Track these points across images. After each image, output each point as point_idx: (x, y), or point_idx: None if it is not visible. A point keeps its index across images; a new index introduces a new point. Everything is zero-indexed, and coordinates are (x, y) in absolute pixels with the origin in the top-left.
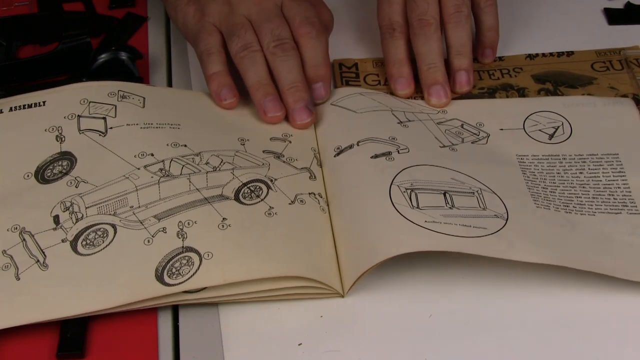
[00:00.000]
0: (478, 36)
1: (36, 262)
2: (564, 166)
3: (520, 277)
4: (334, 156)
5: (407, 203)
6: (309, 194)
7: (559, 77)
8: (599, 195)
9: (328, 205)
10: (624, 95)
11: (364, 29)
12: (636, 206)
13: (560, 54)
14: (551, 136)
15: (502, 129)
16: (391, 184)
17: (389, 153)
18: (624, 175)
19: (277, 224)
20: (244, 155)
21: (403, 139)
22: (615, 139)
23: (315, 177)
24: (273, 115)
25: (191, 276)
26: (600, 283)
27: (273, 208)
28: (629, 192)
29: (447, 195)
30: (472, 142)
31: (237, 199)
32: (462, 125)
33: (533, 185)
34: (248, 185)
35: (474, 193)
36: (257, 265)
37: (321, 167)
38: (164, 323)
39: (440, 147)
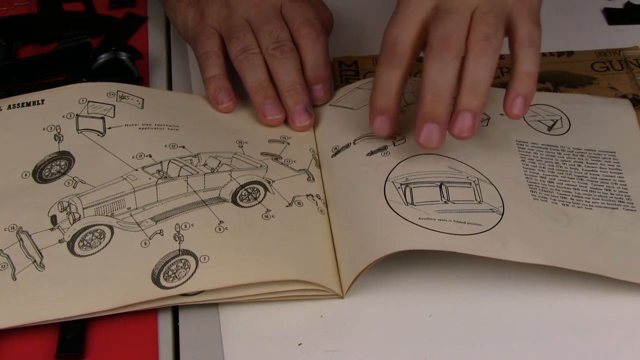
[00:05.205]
0: (510, 80)
1: (33, 263)
2: (563, 157)
3: (520, 276)
4: (332, 157)
5: (402, 200)
6: (307, 195)
7: (559, 76)
8: (596, 189)
9: (327, 206)
10: (624, 96)
11: (364, 26)
12: (632, 203)
13: (560, 54)
14: (550, 128)
15: (502, 114)
16: (386, 180)
17: (385, 147)
18: (620, 172)
19: (274, 226)
20: (242, 157)
21: (400, 128)
22: (613, 138)
23: (313, 178)
24: (272, 118)
25: (187, 279)
26: (601, 282)
27: (270, 211)
28: (626, 188)
29: (443, 187)
30: None
31: (234, 201)
32: None
33: (532, 175)
34: (245, 188)
35: (470, 184)
36: (253, 269)
37: (320, 168)
38: (164, 323)
39: None
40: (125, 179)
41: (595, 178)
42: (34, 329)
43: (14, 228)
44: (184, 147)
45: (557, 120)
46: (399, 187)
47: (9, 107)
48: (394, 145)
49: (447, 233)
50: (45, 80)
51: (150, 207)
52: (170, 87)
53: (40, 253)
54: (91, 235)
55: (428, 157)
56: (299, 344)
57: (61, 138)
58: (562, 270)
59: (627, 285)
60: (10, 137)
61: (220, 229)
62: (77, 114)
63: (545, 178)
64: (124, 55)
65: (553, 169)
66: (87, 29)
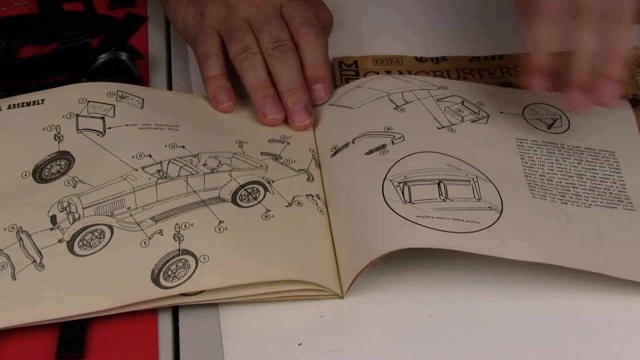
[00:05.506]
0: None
1: (32, 262)
2: (563, 154)
3: (520, 276)
4: (331, 156)
5: (400, 198)
6: (307, 195)
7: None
8: (596, 187)
9: (326, 206)
10: (623, 96)
11: (364, 26)
12: (631, 202)
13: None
14: (550, 126)
15: (502, 112)
16: (384, 179)
17: (383, 146)
18: (619, 172)
19: (274, 227)
20: (242, 157)
21: (399, 127)
22: (612, 138)
23: (313, 178)
24: (272, 118)
25: (187, 279)
26: (601, 283)
27: (270, 211)
28: (625, 188)
29: (442, 185)
30: (472, 121)
31: (234, 201)
32: (462, 102)
33: (531, 172)
34: (245, 187)
35: (469, 182)
36: (253, 269)
37: (319, 168)
38: (164, 323)
39: (439, 128)
40: (125, 178)
41: (595, 177)
42: (34, 329)
43: (13, 228)
44: (183, 147)
45: (556, 119)
46: (397, 186)
47: (9, 107)
48: (393, 144)
49: (446, 231)
50: (45, 80)
51: (150, 207)
52: (170, 87)
53: (40, 253)
54: (91, 235)
55: (426, 155)
56: (299, 344)
57: (61, 138)
58: (562, 270)
59: (627, 286)
60: (10, 137)
61: (220, 229)
62: (77, 114)
63: (544, 176)
64: (124, 55)
65: (553, 166)
66: (87, 29)
